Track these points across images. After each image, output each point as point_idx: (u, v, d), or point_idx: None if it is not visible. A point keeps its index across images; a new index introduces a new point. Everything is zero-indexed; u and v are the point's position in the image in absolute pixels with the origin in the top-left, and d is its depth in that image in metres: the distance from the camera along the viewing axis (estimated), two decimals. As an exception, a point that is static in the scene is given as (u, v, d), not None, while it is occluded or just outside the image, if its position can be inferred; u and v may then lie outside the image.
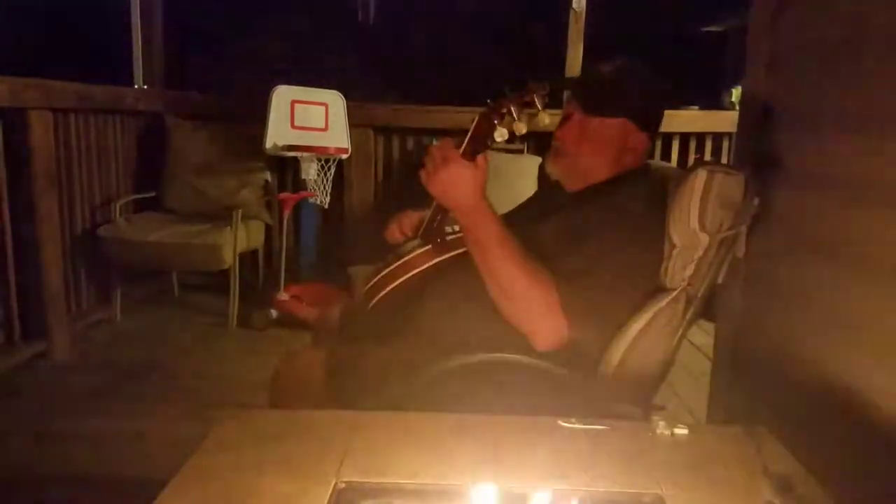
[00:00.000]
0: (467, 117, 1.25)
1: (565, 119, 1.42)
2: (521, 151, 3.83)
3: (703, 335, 2.61)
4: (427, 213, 1.38)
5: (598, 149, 1.39)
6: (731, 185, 1.22)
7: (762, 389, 1.49)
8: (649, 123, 1.42)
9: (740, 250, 1.26)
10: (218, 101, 3.99)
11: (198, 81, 4.60)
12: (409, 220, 1.53)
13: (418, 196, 1.34)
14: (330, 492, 0.79)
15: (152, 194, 3.62)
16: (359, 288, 1.50)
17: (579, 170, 1.41)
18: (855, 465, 1.12)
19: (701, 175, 1.21)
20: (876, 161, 1.12)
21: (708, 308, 1.63)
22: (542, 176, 3.54)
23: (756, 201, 1.23)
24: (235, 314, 3.28)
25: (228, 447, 0.89)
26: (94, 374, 2.73)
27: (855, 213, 1.17)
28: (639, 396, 1.29)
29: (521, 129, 1.19)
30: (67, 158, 3.14)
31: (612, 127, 1.38)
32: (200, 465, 0.84)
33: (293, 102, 3.40)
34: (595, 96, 1.40)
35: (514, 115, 1.19)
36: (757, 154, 1.50)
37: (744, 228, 1.23)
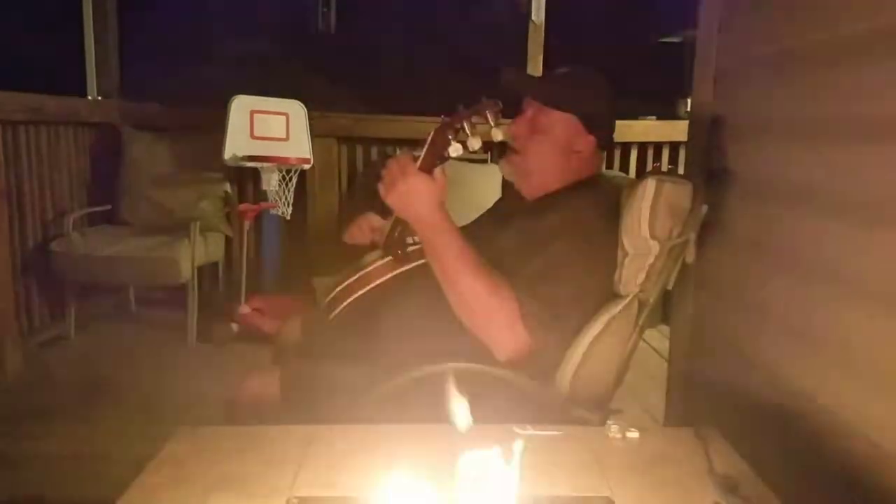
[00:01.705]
0: (431, 127, 1.27)
1: (518, 116, 1.45)
2: (484, 161, 3.85)
3: (662, 339, 2.65)
4: (387, 225, 1.39)
5: (546, 144, 1.41)
6: (680, 193, 1.25)
7: (715, 392, 1.52)
8: (596, 126, 1.43)
9: (690, 257, 1.29)
10: (175, 112, 3.93)
11: (155, 91, 4.53)
12: (370, 222, 1.53)
13: (381, 207, 1.35)
14: (282, 507, 0.78)
15: (107, 207, 3.54)
16: (321, 300, 1.50)
17: (530, 167, 1.43)
18: (803, 465, 1.15)
19: (650, 184, 1.24)
20: (820, 170, 1.16)
21: (667, 313, 1.67)
22: (505, 185, 3.57)
23: (704, 209, 1.27)
24: (195, 329, 3.22)
25: (179, 464, 0.88)
26: (48, 393, 2.66)
27: (802, 221, 1.20)
28: (596, 401, 1.31)
29: (475, 144, 1.22)
30: (17, 172, 3.06)
31: (560, 122, 1.41)
32: (149, 483, 0.83)
33: (252, 112, 3.37)
34: (546, 87, 1.43)
35: (468, 130, 1.21)
36: (707, 163, 1.54)
37: (693, 235, 1.27)
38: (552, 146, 1.41)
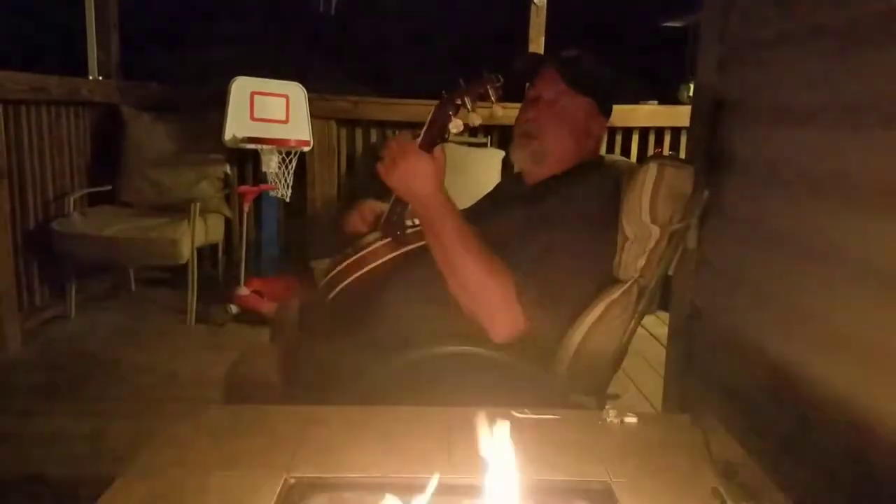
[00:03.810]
0: (431, 110, 1.25)
1: (533, 101, 1.44)
2: (484, 145, 3.84)
3: (660, 325, 2.66)
4: (387, 206, 1.38)
5: (568, 127, 1.42)
6: (681, 178, 1.24)
7: (714, 378, 1.52)
8: (608, 108, 1.48)
9: (691, 242, 1.29)
10: (176, 93, 3.91)
11: (155, 72, 4.50)
12: (370, 209, 1.52)
13: (381, 189, 1.34)
14: (280, 487, 0.78)
15: (108, 188, 3.54)
16: (319, 282, 1.49)
17: (548, 151, 1.42)
18: (801, 451, 1.15)
19: (651, 168, 1.24)
20: (824, 155, 1.15)
21: (665, 299, 1.66)
22: (505, 169, 3.56)
23: (706, 194, 1.26)
24: (194, 310, 3.23)
25: (177, 443, 0.88)
26: (48, 372, 2.67)
27: (805, 205, 1.20)
28: (593, 386, 1.31)
29: (476, 120, 1.20)
30: (19, 151, 3.06)
31: (581, 105, 1.42)
32: (148, 462, 0.83)
33: (253, 94, 3.36)
34: (578, 71, 1.43)
35: (469, 106, 1.20)
36: (708, 147, 1.53)
37: (694, 220, 1.26)
38: (572, 130, 1.42)
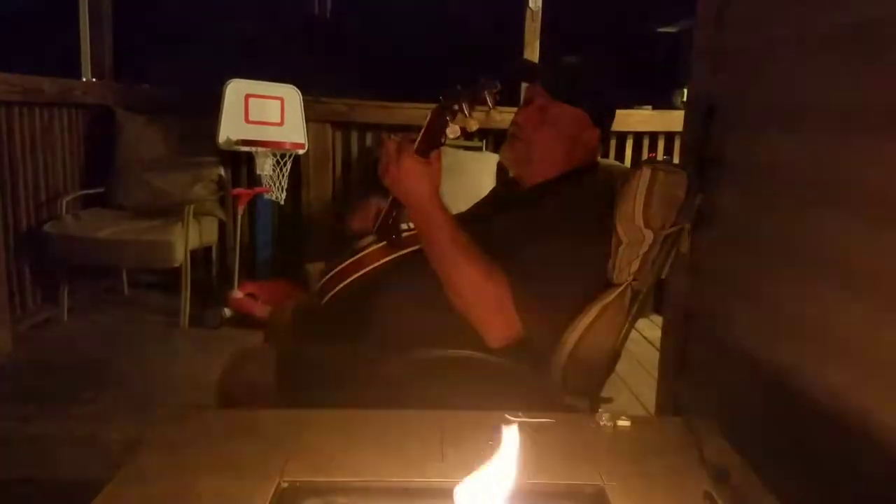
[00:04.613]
0: (425, 113, 1.25)
1: (525, 104, 1.44)
2: (479, 149, 3.84)
3: (654, 329, 2.67)
4: (383, 209, 1.38)
5: (554, 136, 1.41)
6: (674, 182, 1.25)
7: (707, 382, 1.53)
8: (602, 119, 1.46)
9: (684, 246, 1.29)
10: (170, 95, 3.90)
11: (149, 74, 4.49)
12: (375, 207, 1.53)
13: (377, 192, 1.35)
14: (273, 491, 0.78)
15: (101, 190, 3.53)
16: (314, 285, 1.49)
17: (533, 156, 1.42)
18: (793, 454, 1.16)
19: (645, 173, 1.24)
20: (815, 160, 1.16)
21: (659, 302, 1.67)
22: (500, 173, 3.56)
23: (699, 198, 1.27)
24: (187, 313, 3.22)
25: (169, 447, 0.87)
26: (40, 375, 2.65)
27: (798, 210, 1.21)
28: (587, 389, 1.31)
29: (473, 126, 1.21)
30: (11, 152, 3.05)
31: (570, 116, 1.41)
32: (140, 466, 0.83)
33: (247, 96, 3.35)
34: (561, 81, 1.42)
35: (466, 112, 1.20)
36: (702, 152, 1.54)
37: (687, 225, 1.26)
38: (559, 137, 1.41)
